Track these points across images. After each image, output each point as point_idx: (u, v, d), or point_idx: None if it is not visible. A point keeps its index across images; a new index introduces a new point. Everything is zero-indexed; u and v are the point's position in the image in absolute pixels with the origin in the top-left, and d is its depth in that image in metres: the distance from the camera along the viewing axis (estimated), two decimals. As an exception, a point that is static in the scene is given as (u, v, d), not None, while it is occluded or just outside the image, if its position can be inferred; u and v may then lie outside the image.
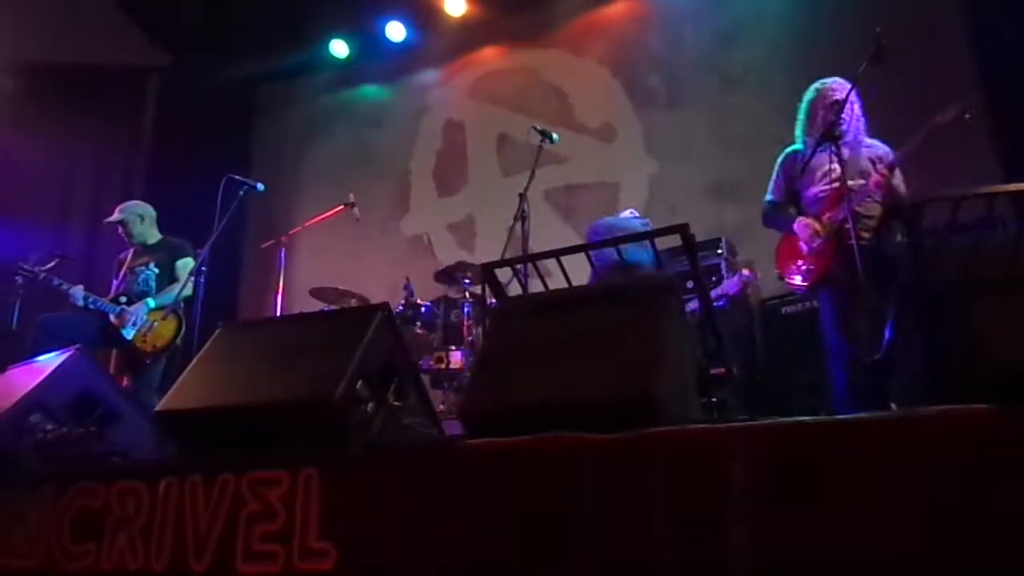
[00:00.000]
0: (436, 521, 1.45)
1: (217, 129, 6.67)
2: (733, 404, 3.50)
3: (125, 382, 4.17)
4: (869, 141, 3.38)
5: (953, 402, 1.22)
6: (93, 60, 6.47)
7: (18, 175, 5.90)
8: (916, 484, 1.15)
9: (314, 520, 1.53)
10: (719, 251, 4.58)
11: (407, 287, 4.77)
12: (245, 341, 2.05)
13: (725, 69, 5.68)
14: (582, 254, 2.28)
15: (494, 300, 2.34)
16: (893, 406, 2.71)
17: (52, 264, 4.13)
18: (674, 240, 2.04)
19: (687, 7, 5.97)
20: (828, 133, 3.11)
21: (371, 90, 7.23)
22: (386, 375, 1.90)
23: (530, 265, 2.64)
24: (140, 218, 4.46)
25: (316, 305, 4.97)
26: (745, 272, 4.10)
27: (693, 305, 3.00)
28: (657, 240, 2.30)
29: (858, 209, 3.11)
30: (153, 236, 4.49)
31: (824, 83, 3.44)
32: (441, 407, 4.19)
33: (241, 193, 3.89)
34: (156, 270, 4.31)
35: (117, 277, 4.39)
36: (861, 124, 3.38)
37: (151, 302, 4.16)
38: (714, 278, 4.41)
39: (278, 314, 4.79)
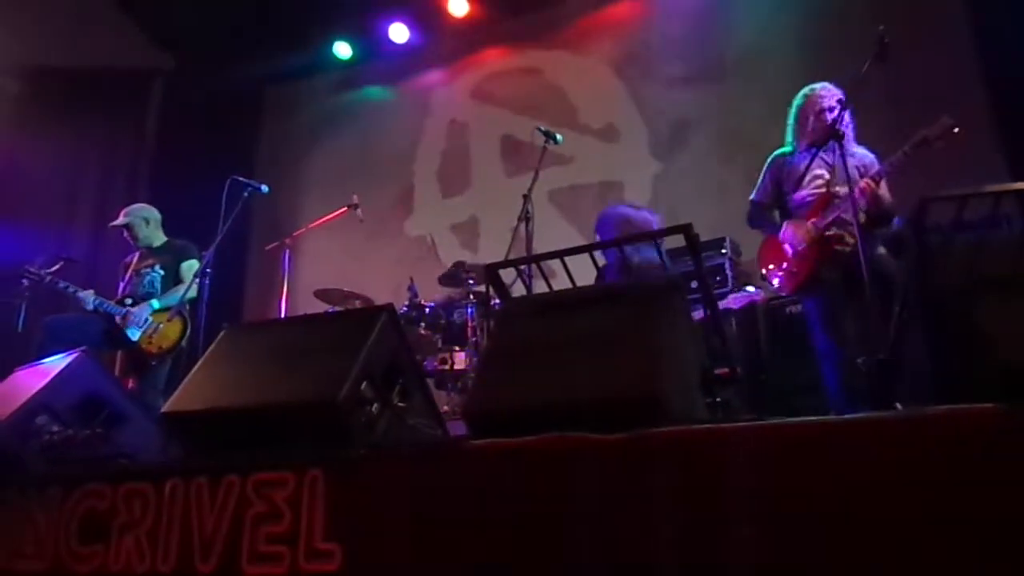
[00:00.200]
0: (441, 521, 1.45)
1: (221, 131, 6.69)
2: (737, 404, 3.49)
3: (130, 384, 4.18)
4: (856, 149, 3.40)
5: (960, 402, 1.21)
6: (97, 63, 6.47)
7: (23, 178, 5.89)
8: (923, 484, 1.15)
9: (319, 521, 1.54)
10: (723, 251, 4.57)
11: (411, 288, 4.77)
12: (250, 343, 2.05)
13: (728, 69, 5.67)
14: (586, 254, 2.28)
15: (498, 301, 2.34)
16: (898, 406, 2.70)
17: (57, 267, 4.15)
18: (678, 240, 2.04)
19: (689, 7, 5.97)
20: (832, 132, 3.11)
21: (375, 91, 7.23)
22: (390, 376, 1.90)
23: (534, 266, 2.64)
24: (145, 221, 4.47)
25: (320, 306, 4.97)
26: (751, 290, 4.07)
27: (699, 315, 3.00)
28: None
29: (844, 216, 3.15)
30: (158, 239, 4.50)
31: (813, 89, 3.47)
32: (445, 408, 4.19)
33: (245, 195, 3.89)
34: (161, 272, 4.32)
35: (123, 280, 4.40)
36: (850, 131, 3.39)
37: (155, 303, 4.17)
38: (718, 278, 4.40)
39: (283, 316, 4.80)
